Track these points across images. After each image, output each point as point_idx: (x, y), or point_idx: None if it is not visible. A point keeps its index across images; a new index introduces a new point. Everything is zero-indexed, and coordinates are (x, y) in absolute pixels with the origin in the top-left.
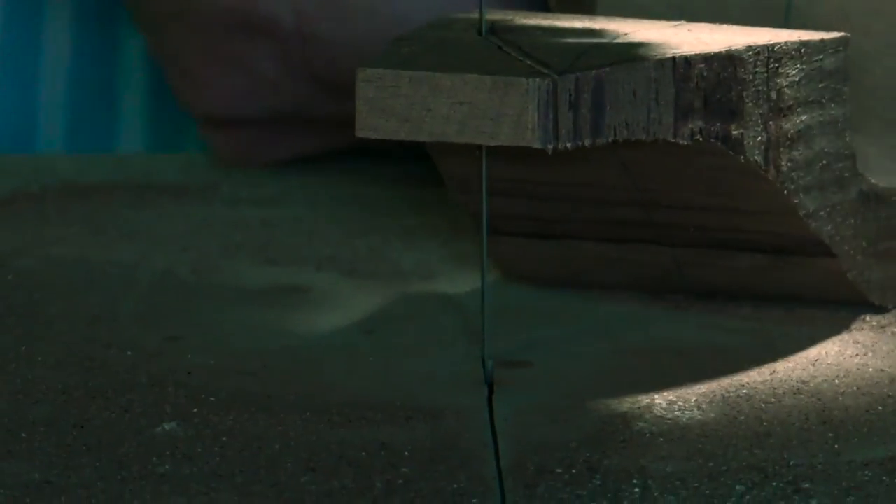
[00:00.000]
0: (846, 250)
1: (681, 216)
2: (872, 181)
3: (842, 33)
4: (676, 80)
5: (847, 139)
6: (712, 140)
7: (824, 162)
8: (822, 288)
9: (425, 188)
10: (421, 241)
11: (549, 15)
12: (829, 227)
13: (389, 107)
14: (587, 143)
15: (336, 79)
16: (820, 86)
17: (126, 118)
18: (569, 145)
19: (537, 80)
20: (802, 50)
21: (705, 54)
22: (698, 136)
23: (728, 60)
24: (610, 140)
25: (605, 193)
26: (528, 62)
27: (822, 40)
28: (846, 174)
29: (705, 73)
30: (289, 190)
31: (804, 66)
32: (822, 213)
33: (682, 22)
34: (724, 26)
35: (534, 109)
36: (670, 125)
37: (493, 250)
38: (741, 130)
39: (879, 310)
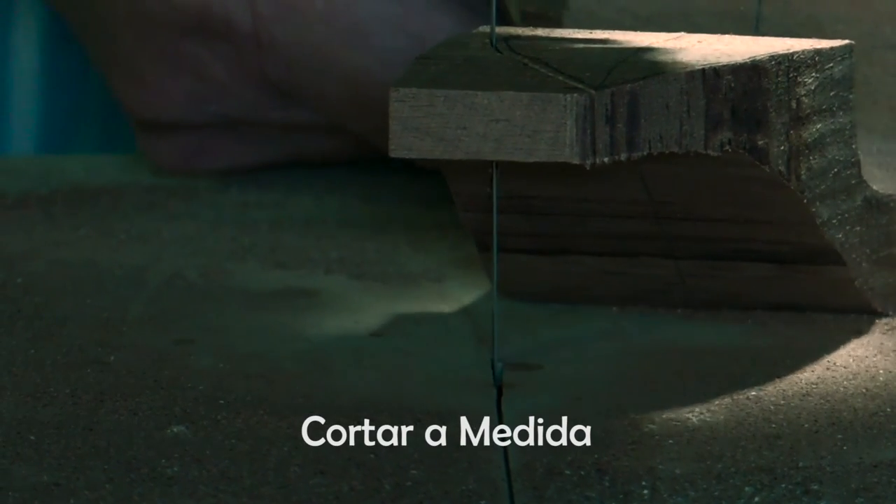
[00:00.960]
0: (853, 258)
1: (693, 228)
2: (874, 188)
3: (847, 41)
4: (706, 91)
5: (853, 146)
6: (740, 151)
7: (836, 170)
8: (828, 296)
9: (433, 191)
10: (430, 244)
11: (550, 30)
12: (839, 235)
13: (424, 126)
14: (623, 157)
15: (289, 84)
16: (831, 94)
17: (17, 120)
18: (606, 160)
19: (575, 95)
20: (816, 58)
21: (733, 65)
22: (727, 147)
23: (753, 70)
24: (644, 153)
25: (616, 208)
26: (560, 78)
27: (832, 48)
28: (853, 181)
29: (733, 84)
30: (297, 193)
31: (818, 75)
32: (834, 220)
33: (682, 33)
34: (727, 36)
35: (572, 125)
36: (701, 137)
37: (490, 267)
38: (766, 140)
39: (884, 315)
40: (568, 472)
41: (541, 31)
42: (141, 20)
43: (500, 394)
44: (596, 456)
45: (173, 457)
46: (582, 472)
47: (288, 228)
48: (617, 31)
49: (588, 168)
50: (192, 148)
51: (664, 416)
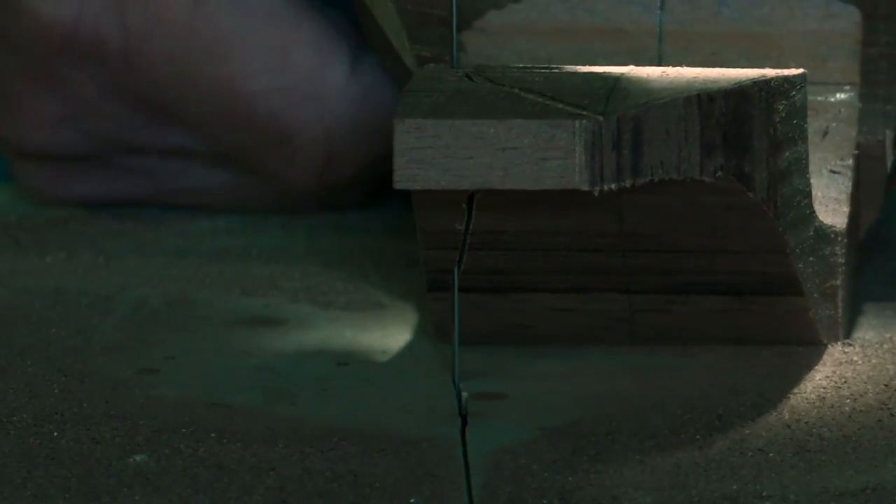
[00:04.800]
0: (808, 288)
1: (657, 260)
2: (819, 219)
3: (802, 70)
4: (701, 116)
5: (808, 176)
6: (730, 177)
7: (797, 199)
8: (780, 328)
9: (402, 219)
10: (397, 273)
11: (511, 65)
12: (800, 265)
13: (429, 157)
14: (628, 183)
15: (158, 101)
16: (794, 122)
17: None
18: (613, 187)
19: (584, 121)
20: (785, 85)
21: (725, 90)
22: (720, 173)
23: (741, 96)
24: (647, 180)
25: (585, 241)
26: (560, 106)
27: (795, 76)
28: (808, 211)
29: (724, 110)
30: (265, 220)
31: (786, 102)
32: (797, 250)
33: (632, 66)
34: (685, 68)
35: (581, 152)
36: (697, 163)
37: (435, 308)
38: (751, 167)
39: (850, 343)
40: (531, 499)
41: (509, 66)
42: (9, 41)
43: (464, 423)
44: (559, 484)
45: (135, 486)
46: (545, 501)
47: (255, 257)
48: (578, 66)
49: (596, 195)
50: (64, 175)
51: (629, 445)
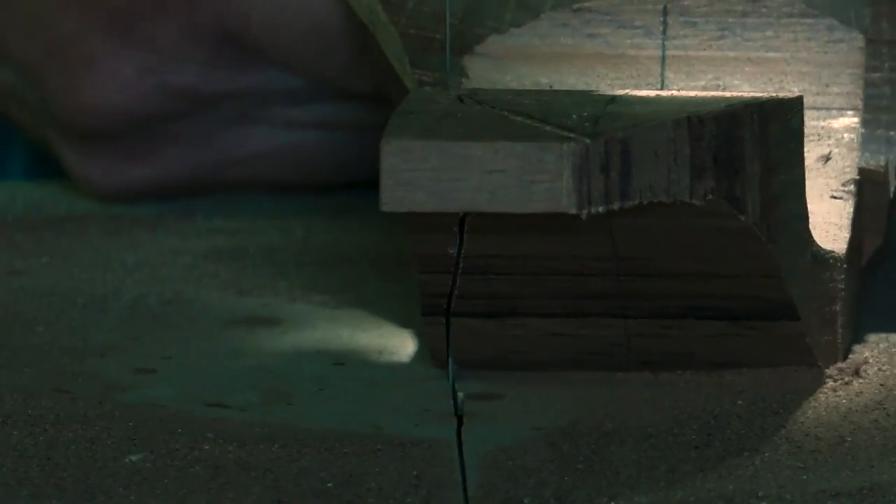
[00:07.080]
0: (805, 313)
1: (652, 285)
2: (818, 244)
3: (798, 93)
4: (691, 139)
5: (804, 200)
6: (721, 200)
7: (792, 223)
8: (777, 353)
9: (398, 221)
10: (394, 273)
11: (505, 88)
12: (796, 290)
13: (416, 179)
14: (616, 206)
15: (245, 33)
16: (790, 145)
17: None
18: (601, 209)
19: (571, 144)
20: (780, 108)
21: (715, 113)
22: (710, 196)
23: (732, 118)
24: (636, 203)
25: (579, 265)
26: (549, 128)
27: (790, 99)
28: (804, 236)
29: (715, 132)
30: (263, 221)
31: (780, 125)
32: (794, 274)
33: (627, 89)
34: (679, 92)
35: (569, 175)
36: (687, 186)
37: (429, 333)
38: (742, 190)
39: (845, 353)
40: (527, 500)
41: (502, 89)
42: None
43: (460, 423)
44: (555, 485)
45: (131, 486)
46: (541, 501)
47: (252, 256)
48: (571, 88)
49: (584, 218)
50: (124, 156)
51: (625, 445)
